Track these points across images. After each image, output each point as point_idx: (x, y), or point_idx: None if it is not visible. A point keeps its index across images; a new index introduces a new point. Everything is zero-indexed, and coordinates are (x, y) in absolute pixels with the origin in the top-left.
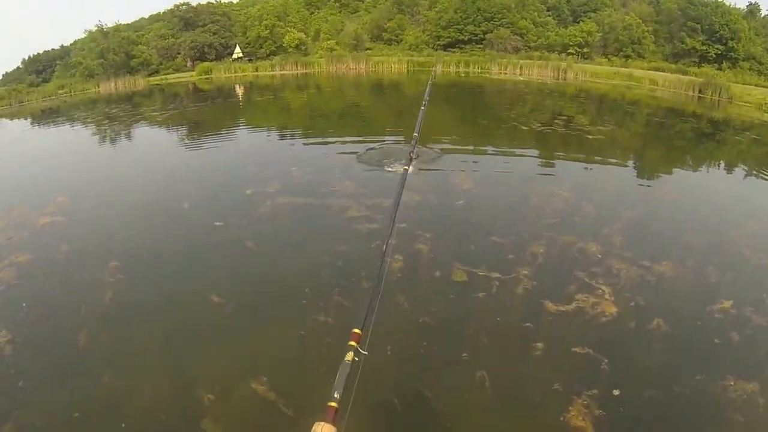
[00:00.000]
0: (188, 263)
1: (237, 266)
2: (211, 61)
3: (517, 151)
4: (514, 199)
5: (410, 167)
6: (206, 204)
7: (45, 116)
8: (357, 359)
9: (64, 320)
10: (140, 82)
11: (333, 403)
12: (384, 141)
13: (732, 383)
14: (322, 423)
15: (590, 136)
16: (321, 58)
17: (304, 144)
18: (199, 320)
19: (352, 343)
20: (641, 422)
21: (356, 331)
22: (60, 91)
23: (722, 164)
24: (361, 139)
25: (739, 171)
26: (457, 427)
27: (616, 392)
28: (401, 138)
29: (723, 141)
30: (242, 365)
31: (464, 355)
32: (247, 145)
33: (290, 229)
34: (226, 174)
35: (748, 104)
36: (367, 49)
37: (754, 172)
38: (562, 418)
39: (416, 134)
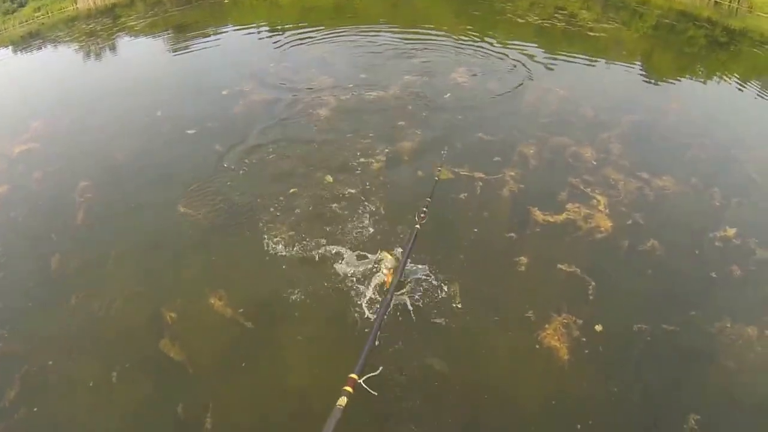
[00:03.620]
0: (157, 176)
1: (205, 176)
2: None
3: (513, 44)
4: (506, 94)
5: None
6: (180, 111)
7: (24, 42)
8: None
9: (37, 248)
10: None
11: None
12: (379, 33)
13: (728, 325)
14: None
15: (593, 34)
16: None
17: (289, 40)
18: (165, 235)
19: (347, 388)
20: (623, 358)
21: (353, 376)
22: (37, 14)
23: (736, 78)
24: (352, 31)
25: (754, 88)
26: (424, 339)
27: (598, 327)
28: (395, 29)
29: (738, 53)
30: (203, 279)
31: (439, 272)
32: (229, 44)
33: (260, 130)
34: (204, 77)
35: None
36: None
37: None
38: (537, 336)
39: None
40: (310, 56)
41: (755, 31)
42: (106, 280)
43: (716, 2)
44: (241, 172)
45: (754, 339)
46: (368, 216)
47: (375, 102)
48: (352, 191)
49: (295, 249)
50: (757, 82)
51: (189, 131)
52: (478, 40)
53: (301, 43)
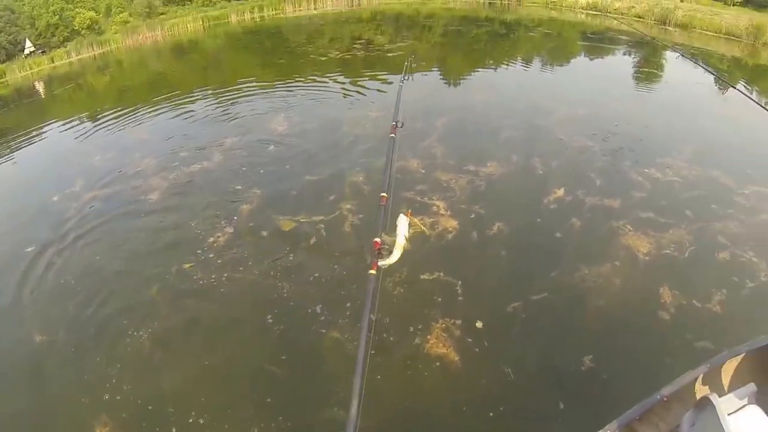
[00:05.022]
0: (5, 305)
1: (54, 295)
2: (2, 62)
3: (321, 82)
4: (325, 131)
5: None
6: (14, 228)
7: None
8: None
9: None
10: None
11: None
12: (194, 101)
13: (586, 271)
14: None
15: (391, 54)
16: (116, 33)
17: (110, 126)
18: (28, 373)
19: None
20: (508, 340)
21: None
22: None
23: (520, 60)
24: (169, 104)
25: (537, 63)
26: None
27: (479, 324)
28: (209, 93)
29: (517, 39)
30: (83, 410)
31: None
32: (53, 143)
33: (98, 231)
34: (32, 185)
35: (535, 4)
36: (161, 14)
37: (551, 61)
38: (423, 350)
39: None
40: (133, 139)
41: (527, 19)
42: None
43: (490, 3)
44: (90, 282)
45: (610, 273)
46: (230, 297)
47: (204, 173)
48: (213, 277)
49: (169, 350)
50: (538, 59)
51: (28, 249)
52: (288, 85)
53: (122, 128)
